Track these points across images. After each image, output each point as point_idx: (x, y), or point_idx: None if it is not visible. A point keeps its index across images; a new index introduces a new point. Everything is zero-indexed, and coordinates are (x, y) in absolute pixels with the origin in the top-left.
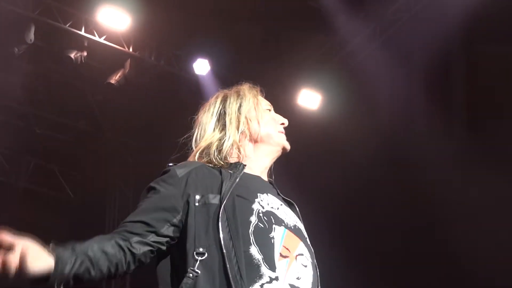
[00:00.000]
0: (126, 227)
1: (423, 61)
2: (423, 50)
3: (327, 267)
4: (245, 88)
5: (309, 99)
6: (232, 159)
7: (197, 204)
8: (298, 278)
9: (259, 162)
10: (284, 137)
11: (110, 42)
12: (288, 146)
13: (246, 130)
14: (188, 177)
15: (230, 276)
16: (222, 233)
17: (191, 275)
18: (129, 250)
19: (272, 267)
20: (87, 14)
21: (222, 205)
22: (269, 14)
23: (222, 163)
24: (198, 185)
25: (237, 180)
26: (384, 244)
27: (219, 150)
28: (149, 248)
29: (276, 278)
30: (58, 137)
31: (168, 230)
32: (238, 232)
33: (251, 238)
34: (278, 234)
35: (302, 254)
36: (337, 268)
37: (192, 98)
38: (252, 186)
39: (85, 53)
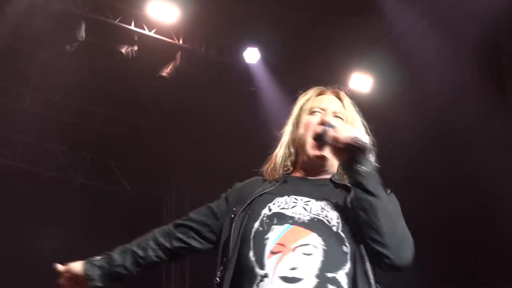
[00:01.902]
0: (174, 223)
1: (473, 40)
2: (473, 28)
3: None
4: (309, 90)
5: (360, 82)
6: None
7: (232, 216)
8: (293, 269)
9: (308, 165)
10: (313, 145)
11: (160, 35)
12: (318, 154)
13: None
14: (236, 189)
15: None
16: (231, 243)
17: (215, 281)
18: (166, 244)
19: (262, 266)
20: (136, 8)
21: (235, 217)
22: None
23: (272, 174)
24: (237, 198)
25: (266, 190)
26: (430, 226)
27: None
28: (183, 245)
29: (266, 275)
30: (112, 132)
31: (207, 234)
32: (242, 240)
33: (250, 243)
34: (275, 233)
35: (306, 244)
36: None
37: (243, 87)
38: (282, 191)
39: (135, 48)
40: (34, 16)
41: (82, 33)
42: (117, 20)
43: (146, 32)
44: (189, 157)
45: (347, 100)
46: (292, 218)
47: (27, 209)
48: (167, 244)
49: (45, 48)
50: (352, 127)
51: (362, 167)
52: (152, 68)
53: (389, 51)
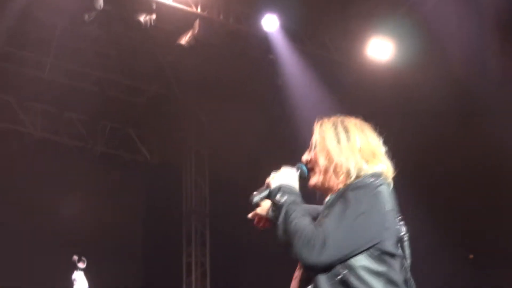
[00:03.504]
0: None
1: (494, 5)
2: None
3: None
4: None
5: (380, 49)
6: None
7: None
8: None
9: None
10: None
11: (178, 3)
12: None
13: None
14: None
15: None
16: None
17: None
18: None
19: None
20: None
21: None
22: None
23: None
24: None
25: None
26: (451, 192)
27: None
28: None
29: None
30: (132, 101)
31: None
32: None
33: None
34: None
35: None
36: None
37: (262, 55)
38: None
39: (154, 16)
40: None
41: (101, 2)
42: None
43: (164, 0)
44: (208, 125)
45: (317, 129)
46: None
47: (48, 178)
48: None
49: (64, 17)
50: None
51: (273, 209)
52: (171, 36)
53: (409, 17)
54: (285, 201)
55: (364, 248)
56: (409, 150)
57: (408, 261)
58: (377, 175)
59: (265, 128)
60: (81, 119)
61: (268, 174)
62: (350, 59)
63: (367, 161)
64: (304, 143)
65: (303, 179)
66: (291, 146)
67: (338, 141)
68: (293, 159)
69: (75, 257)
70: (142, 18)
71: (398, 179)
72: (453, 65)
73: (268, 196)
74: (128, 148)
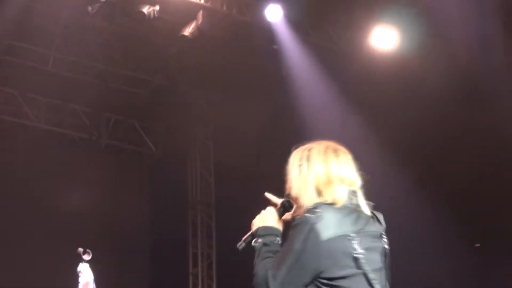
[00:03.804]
0: None
1: None
2: None
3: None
4: None
5: (384, 37)
6: None
7: None
8: None
9: None
10: None
11: None
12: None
13: None
14: None
15: None
16: None
17: None
18: None
19: None
20: None
21: None
22: None
23: None
24: None
25: None
26: (457, 180)
27: None
28: None
29: None
30: (135, 92)
31: None
32: None
33: None
34: None
35: None
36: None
37: (265, 45)
38: None
39: (157, 7)
40: None
41: None
42: None
43: None
44: (212, 116)
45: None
46: None
47: (52, 171)
48: None
49: (67, 10)
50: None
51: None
52: (174, 27)
53: (412, 5)
54: (258, 245)
55: (307, 283)
56: (414, 138)
57: (382, 272)
58: (315, 208)
59: (269, 118)
60: (85, 111)
61: (273, 164)
62: (354, 49)
63: (320, 192)
64: (308, 134)
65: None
66: (295, 136)
67: (299, 173)
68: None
69: (80, 249)
70: (146, 9)
71: (404, 168)
72: (457, 52)
73: (250, 241)
74: (133, 140)
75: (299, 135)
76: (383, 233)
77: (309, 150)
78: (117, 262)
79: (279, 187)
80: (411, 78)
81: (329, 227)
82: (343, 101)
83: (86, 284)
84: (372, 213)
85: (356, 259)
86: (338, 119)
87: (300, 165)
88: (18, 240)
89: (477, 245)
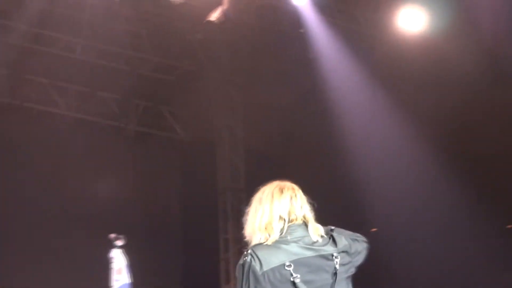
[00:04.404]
0: None
1: None
2: None
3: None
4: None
5: (411, 19)
6: None
7: None
8: None
9: None
10: None
11: None
12: None
13: None
14: None
15: None
16: None
17: None
18: None
19: None
20: None
21: None
22: None
23: None
24: None
25: None
26: (485, 161)
27: None
28: None
29: None
30: (163, 78)
31: None
32: None
33: None
34: None
35: None
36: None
37: (292, 29)
38: None
39: None
40: None
41: None
42: None
43: None
44: (240, 100)
45: None
46: None
47: (83, 158)
48: None
49: None
50: None
51: None
52: (200, 13)
53: None
54: None
55: None
56: (442, 118)
57: None
58: (250, 250)
59: (296, 102)
60: (114, 99)
61: (302, 147)
62: (381, 31)
63: (263, 230)
64: (335, 117)
65: None
66: (323, 119)
67: (251, 215)
68: (325, 133)
69: (112, 235)
70: None
71: (433, 149)
72: (485, 34)
73: None
74: (162, 126)
75: (328, 118)
76: (335, 253)
77: (262, 192)
78: (149, 248)
79: (308, 170)
80: (438, 60)
81: (263, 262)
82: (370, 83)
83: (119, 270)
84: (331, 236)
85: (294, 283)
86: (366, 101)
87: (253, 208)
88: (51, 228)
89: (509, 226)
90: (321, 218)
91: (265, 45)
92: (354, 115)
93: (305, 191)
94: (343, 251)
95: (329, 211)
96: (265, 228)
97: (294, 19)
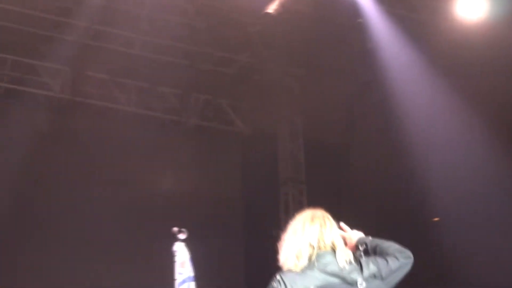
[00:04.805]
0: None
1: None
2: None
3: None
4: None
5: (470, 7)
6: None
7: None
8: None
9: None
10: None
11: None
12: None
13: None
14: None
15: None
16: None
17: None
18: None
19: None
20: None
21: None
22: None
23: None
24: None
25: None
26: None
27: None
28: None
29: None
30: (222, 72)
31: None
32: None
33: None
34: None
35: None
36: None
37: (350, 19)
38: None
39: None
40: None
41: None
42: None
43: None
44: (300, 92)
45: None
46: None
47: (144, 153)
48: None
49: None
50: None
51: None
52: (258, 5)
53: None
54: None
55: None
56: (502, 106)
57: None
58: (278, 276)
59: (356, 92)
60: (174, 93)
61: (362, 139)
62: (440, 18)
63: (290, 260)
64: (396, 106)
65: None
66: (383, 109)
67: (285, 242)
68: (385, 122)
69: (175, 229)
70: None
71: (492, 135)
72: None
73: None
74: (222, 119)
75: (388, 107)
76: (360, 280)
77: (296, 220)
78: (212, 242)
79: (368, 161)
80: (499, 46)
81: (288, 287)
82: (430, 72)
83: (183, 263)
84: (359, 262)
85: None
86: (427, 90)
87: (287, 235)
88: (115, 222)
89: None
90: (383, 209)
91: (323, 35)
92: (415, 104)
93: (366, 182)
94: (370, 276)
95: (390, 201)
96: (295, 256)
97: (352, 9)
